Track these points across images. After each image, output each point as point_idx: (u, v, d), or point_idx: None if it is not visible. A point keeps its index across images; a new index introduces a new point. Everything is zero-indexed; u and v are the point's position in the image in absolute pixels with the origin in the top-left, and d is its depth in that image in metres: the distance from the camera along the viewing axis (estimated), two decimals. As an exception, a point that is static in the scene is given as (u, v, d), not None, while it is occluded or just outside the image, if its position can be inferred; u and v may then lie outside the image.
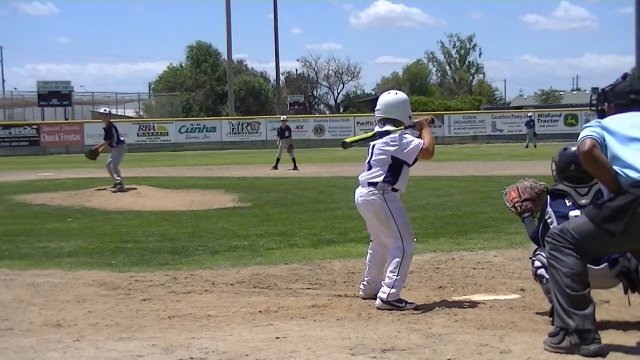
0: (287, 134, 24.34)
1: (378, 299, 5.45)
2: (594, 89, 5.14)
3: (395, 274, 5.46)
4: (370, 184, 5.69)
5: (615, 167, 4.11)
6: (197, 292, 6.09)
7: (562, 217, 4.80)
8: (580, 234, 4.19)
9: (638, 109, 4.35)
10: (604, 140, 4.19)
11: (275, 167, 23.07)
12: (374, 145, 5.75)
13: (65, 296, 5.98)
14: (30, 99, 52.09)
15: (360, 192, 5.77)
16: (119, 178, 15.03)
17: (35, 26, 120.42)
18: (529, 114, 40.78)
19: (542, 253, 4.91)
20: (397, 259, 5.51)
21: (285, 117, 27.58)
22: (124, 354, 4.20)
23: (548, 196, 5.04)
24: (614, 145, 4.16)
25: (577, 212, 4.69)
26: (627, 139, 4.15)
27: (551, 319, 4.65)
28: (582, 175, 4.91)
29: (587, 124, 4.34)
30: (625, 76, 4.53)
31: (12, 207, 13.30)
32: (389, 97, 5.87)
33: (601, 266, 4.71)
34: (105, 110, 16.44)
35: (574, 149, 5.02)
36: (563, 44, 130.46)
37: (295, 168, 22.97)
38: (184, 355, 4.15)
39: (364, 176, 5.78)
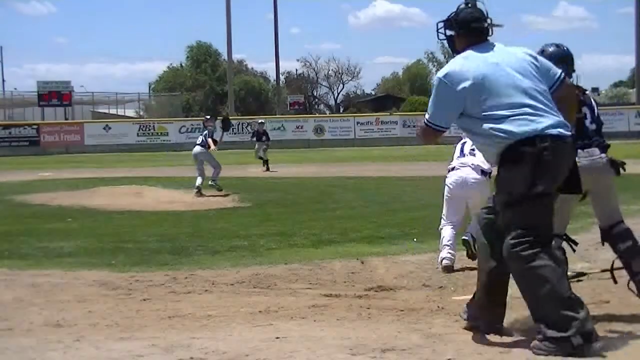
0: (264, 138, 24.04)
1: None
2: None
3: None
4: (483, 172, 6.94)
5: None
6: (197, 292, 6.09)
7: None
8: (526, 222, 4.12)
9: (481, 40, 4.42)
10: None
11: (267, 167, 22.86)
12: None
13: (65, 296, 5.97)
14: (30, 99, 52.07)
15: (474, 177, 6.99)
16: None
17: (35, 26, 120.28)
18: None
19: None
20: None
21: (262, 120, 27.06)
22: (124, 354, 4.19)
23: None
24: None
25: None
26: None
27: None
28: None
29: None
30: (467, 2, 4.53)
31: (12, 207, 13.30)
32: None
33: None
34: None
35: (551, 49, 5.15)
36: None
37: (267, 168, 22.56)
38: (184, 355, 4.15)
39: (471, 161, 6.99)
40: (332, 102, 76.28)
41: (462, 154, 7.18)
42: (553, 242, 4.29)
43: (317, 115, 60.14)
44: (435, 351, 4.16)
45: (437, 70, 61.61)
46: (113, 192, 14.84)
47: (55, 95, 48.82)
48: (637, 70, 46.71)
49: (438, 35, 4.60)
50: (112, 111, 59.62)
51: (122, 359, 4.13)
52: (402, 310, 5.30)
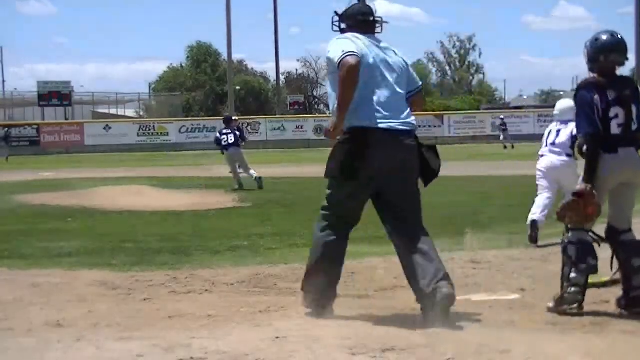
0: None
1: None
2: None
3: None
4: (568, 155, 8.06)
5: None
6: (197, 292, 6.08)
7: (606, 109, 4.94)
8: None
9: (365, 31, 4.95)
10: None
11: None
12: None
13: (66, 296, 5.97)
14: (30, 99, 52.16)
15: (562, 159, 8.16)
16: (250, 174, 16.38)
17: (35, 26, 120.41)
18: (501, 116, 41.12)
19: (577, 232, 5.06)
20: None
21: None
22: (124, 354, 4.19)
23: (593, 88, 5.01)
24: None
25: (618, 110, 4.95)
26: None
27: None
28: (612, 65, 5.06)
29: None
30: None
31: (12, 207, 13.30)
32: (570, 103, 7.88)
33: None
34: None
35: (604, 37, 5.09)
36: (563, 44, 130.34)
37: None
38: (185, 355, 4.15)
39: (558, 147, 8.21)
40: (332, 102, 76.15)
41: (551, 141, 8.31)
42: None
43: (317, 115, 60.12)
44: (435, 351, 4.15)
45: (437, 70, 60.62)
46: (113, 192, 14.84)
47: (55, 95, 48.87)
48: (637, 70, 46.72)
49: (333, 27, 5.13)
50: (112, 111, 59.67)
51: (122, 359, 4.13)
52: (402, 310, 5.29)
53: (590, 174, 4.95)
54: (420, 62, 78.78)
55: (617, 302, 5.09)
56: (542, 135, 8.67)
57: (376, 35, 5.05)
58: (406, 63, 5.08)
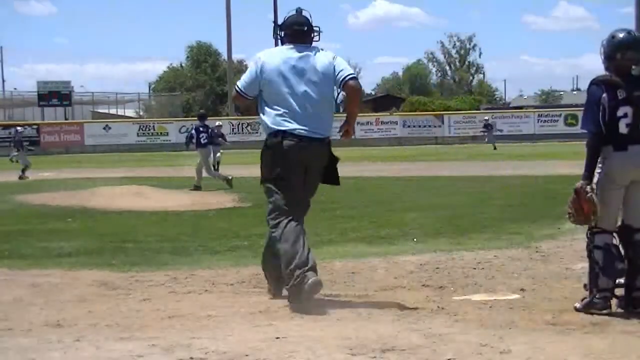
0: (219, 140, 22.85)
1: None
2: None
3: None
4: None
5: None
6: (197, 292, 6.08)
7: (614, 107, 4.97)
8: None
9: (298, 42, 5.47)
10: None
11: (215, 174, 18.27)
12: None
13: (65, 296, 5.97)
14: (30, 99, 52.14)
15: None
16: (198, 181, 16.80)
17: (35, 26, 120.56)
18: (486, 117, 41.25)
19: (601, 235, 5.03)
20: None
21: (219, 123, 25.31)
22: (124, 354, 4.19)
23: (603, 86, 5.03)
24: None
25: (627, 109, 4.98)
26: None
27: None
28: (628, 63, 5.07)
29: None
30: (297, 9, 5.57)
31: (12, 207, 13.30)
32: None
33: None
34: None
35: (621, 35, 5.10)
36: (563, 44, 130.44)
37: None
38: (184, 355, 4.15)
39: None
40: (332, 102, 76.22)
41: None
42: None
43: (317, 115, 60.04)
44: (435, 351, 4.15)
45: (437, 70, 60.78)
46: (113, 192, 14.82)
47: (55, 95, 48.85)
48: (638, 70, 46.71)
49: (274, 36, 5.74)
50: (112, 111, 59.68)
51: (122, 359, 4.13)
52: (402, 310, 5.30)
53: (589, 172, 4.99)
54: (420, 62, 78.91)
55: (618, 302, 5.09)
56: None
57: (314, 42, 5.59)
58: (333, 63, 5.52)
